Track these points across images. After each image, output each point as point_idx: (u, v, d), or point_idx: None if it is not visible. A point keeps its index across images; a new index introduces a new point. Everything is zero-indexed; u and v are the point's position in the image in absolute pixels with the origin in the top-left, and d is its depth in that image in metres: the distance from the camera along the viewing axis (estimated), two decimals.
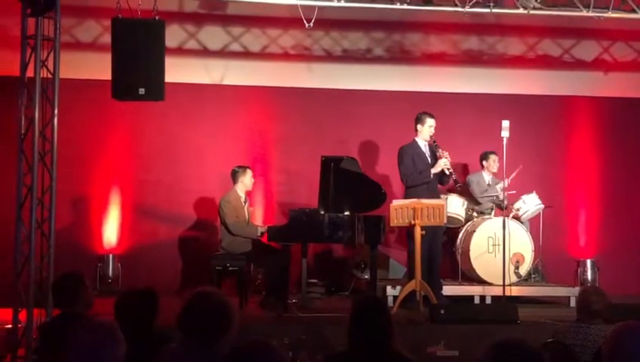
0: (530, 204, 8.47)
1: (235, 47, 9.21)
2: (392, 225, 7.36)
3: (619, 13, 7.90)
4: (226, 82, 9.18)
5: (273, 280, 7.66)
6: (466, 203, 8.38)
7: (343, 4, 7.59)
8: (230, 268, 7.53)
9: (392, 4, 7.69)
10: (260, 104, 9.21)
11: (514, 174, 8.27)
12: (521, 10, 7.80)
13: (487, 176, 8.79)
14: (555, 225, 9.10)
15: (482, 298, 7.97)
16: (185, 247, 9.03)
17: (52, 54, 6.35)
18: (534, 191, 8.54)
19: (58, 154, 6.38)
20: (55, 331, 4.17)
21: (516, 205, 8.45)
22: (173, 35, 8.63)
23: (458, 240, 8.48)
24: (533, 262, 8.35)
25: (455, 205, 8.18)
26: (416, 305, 7.19)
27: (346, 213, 7.44)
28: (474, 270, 8.18)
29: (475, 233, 8.20)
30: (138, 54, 6.71)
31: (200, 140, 9.09)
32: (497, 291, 7.66)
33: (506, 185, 8.06)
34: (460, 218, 8.30)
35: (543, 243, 8.52)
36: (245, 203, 7.88)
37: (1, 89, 7.99)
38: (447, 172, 7.58)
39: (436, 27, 9.33)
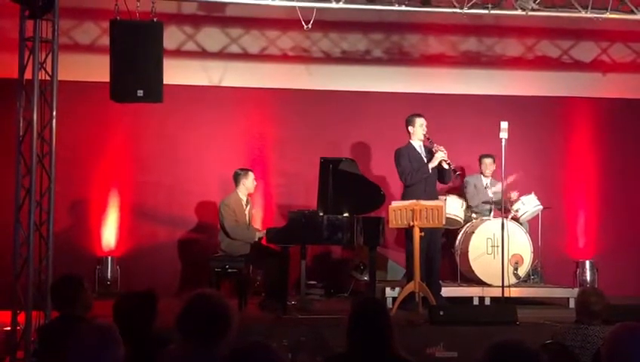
0: (529, 205, 8.47)
1: (234, 48, 9.20)
2: (390, 226, 7.36)
3: (617, 14, 7.90)
4: (224, 84, 9.18)
5: (272, 282, 7.66)
6: (464, 204, 8.38)
7: (341, 5, 7.59)
8: (229, 270, 7.53)
9: (390, 5, 7.69)
10: (258, 106, 9.21)
11: (511, 178, 8.25)
12: (519, 12, 7.80)
13: (485, 179, 8.80)
14: (554, 226, 9.10)
15: (481, 299, 7.97)
16: (184, 249, 9.02)
17: (50, 56, 6.35)
18: (533, 192, 8.54)
19: (56, 156, 6.38)
20: (54, 333, 4.17)
21: (515, 206, 8.45)
22: (172, 36, 8.64)
23: (457, 242, 8.48)
24: (532, 263, 8.35)
25: (454, 206, 8.18)
26: (415, 306, 7.19)
27: (345, 214, 7.44)
28: (473, 271, 8.18)
29: (474, 234, 8.21)
30: (137, 56, 6.70)
31: (199, 142, 9.08)
32: (496, 292, 7.66)
33: (502, 188, 8.05)
34: (459, 219, 8.30)
35: (541, 245, 8.52)
36: (247, 205, 7.88)
37: None
38: (445, 165, 7.58)
39: (435, 28, 9.34)
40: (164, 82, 6.81)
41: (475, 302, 7.97)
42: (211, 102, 9.12)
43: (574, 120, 9.81)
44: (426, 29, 9.40)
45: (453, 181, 8.12)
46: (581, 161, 9.76)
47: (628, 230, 9.60)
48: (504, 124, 7.37)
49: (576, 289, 7.18)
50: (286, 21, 8.56)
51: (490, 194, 8.58)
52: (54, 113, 6.35)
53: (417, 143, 7.74)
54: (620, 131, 9.77)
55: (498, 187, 8.31)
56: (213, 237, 8.21)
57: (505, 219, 7.77)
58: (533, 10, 7.77)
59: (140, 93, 6.68)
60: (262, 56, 9.27)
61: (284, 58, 9.29)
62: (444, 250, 8.32)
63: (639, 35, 9.41)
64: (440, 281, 7.86)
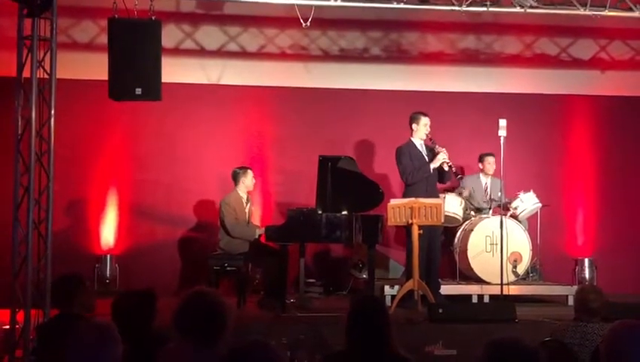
0: (527, 202, 8.46)
1: (232, 46, 9.20)
2: (389, 224, 7.36)
3: (616, 11, 7.90)
4: (223, 82, 9.17)
5: (271, 280, 7.66)
6: (463, 202, 8.38)
7: (340, 3, 7.59)
8: (228, 268, 7.54)
9: (389, 3, 7.68)
10: (257, 104, 9.20)
11: (508, 201, 8.28)
12: (518, 9, 7.80)
13: (484, 179, 8.79)
14: (553, 224, 9.10)
15: (480, 297, 7.97)
16: (183, 248, 9.02)
17: (49, 55, 6.34)
18: (532, 190, 8.54)
19: (55, 154, 6.37)
20: (52, 332, 4.17)
21: (514, 204, 8.45)
22: (170, 35, 8.63)
23: (456, 240, 8.48)
24: (531, 260, 8.35)
25: (452, 204, 8.18)
26: (414, 304, 7.18)
27: (344, 212, 7.44)
28: (472, 269, 8.18)
29: (472, 232, 8.21)
30: (135, 54, 6.69)
31: (197, 140, 9.08)
32: (495, 290, 7.66)
33: (501, 187, 8.07)
34: (458, 217, 8.30)
35: (540, 242, 8.52)
36: (247, 203, 7.89)
37: None
38: (446, 167, 7.58)
39: (433, 26, 9.33)
40: (163, 80, 6.80)
41: (474, 299, 7.97)
42: (210, 100, 9.11)
43: (573, 117, 9.80)
44: (425, 27, 9.40)
45: (452, 181, 8.12)
46: (580, 159, 9.76)
47: (627, 228, 9.60)
48: (503, 122, 7.37)
49: (575, 287, 7.18)
50: (284, 19, 8.55)
51: (492, 195, 8.55)
52: (53, 111, 6.34)
53: (418, 141, 7.74)
54: (619, 129, 9.77)
55: (499, 195, 8.30)
56: (213, 235, 8.22)
57: (504, 216, 7.77)
58: (531, 7, 7.76)
59: (139, 91, 6.67)
60: (260, 55, 9.26)
61: (282, 56, 9.29)
62: (442, 248, 8.31)
63: (638, 32, 9.41)
64: (439, 279, 7.87)
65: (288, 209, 7.77)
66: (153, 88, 6.73)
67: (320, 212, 7.45)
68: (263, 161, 9.23)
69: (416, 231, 7.13)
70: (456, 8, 7.71)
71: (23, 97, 6.37)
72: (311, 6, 7.67)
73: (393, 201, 7.31)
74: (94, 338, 2.73)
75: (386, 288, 7.79)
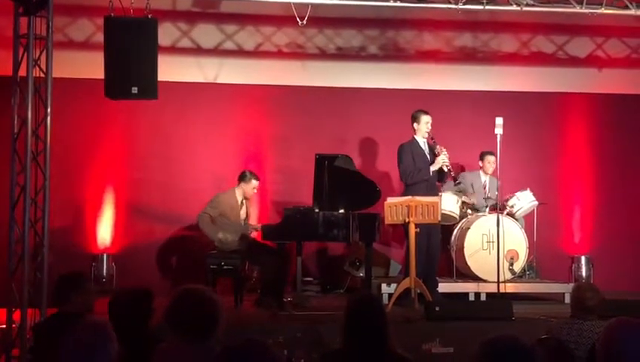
0: (524, 200, 8.47)
1: (229, 45, 9.19)
2: (386, 222, 7.35)
3: (612, 9, 7.91)
4: (219, 80, 9.17)
5: (269, 279, 7.65)
6: (460, 200, 8.38)
7: (336, 1, 7.59)
8: (225, 267, 7.52)
9: (385, 1, 7.69)
10: (253, 102, 9.19)
11: (506, 200, 8.29)
12: (514, 7, 7.81)
13: (483, 177, 8.79)
14: (550, 222, 9.10)
15: (477, 295, 7.98)
16: (180, 246, 9.01)
17: (45, 53, 6.33)
18: (528, 188, 8.55)
19: (51, 153, 6.36)
20: (49, 331, 4.17)
21: (510, 202, 8.46)
22: (167, 33, 8.62)
23: (452, 238, 8.48)
24: (528, 258, 8.36)
25: (449, 202, 8.18)
26: (411, 302, 7.18)
27: (341, 211, 7.44)
28: (468, 267, 8.19)
29: (469, 230, 8.21)
30: (131, 53, 6.69)
31: (194, 139, 9.08)
32: (492, 288, 7.66)
33: (497, 185, 8.06)
34: (455, 215, 8.30)
35: (537, 240, 8.53)
36: (243, 205, 7.87)
37: None
38: (445, 169, 7.59)
39: (430, 24, 9.33)
40: (159, 79, 6.80)
41: (471, 297, 7.98)
42: (206, 98, 9.10)
43: (570, 115, 9.81)
44: (421, 25, 9.40)
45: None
46: (576, 157, 9.77)
47: (623, 225, 9.61)
48: (499, 120, 7.37)
49: (572, 285, 7.19)
50: (281, 17, 8.54)
51: (489, 194, 8.55)
52: (49, 110, 6.34)
53: (422, 140, 7.74)
54: (616, 127, 9.77)
55: (496, 193, 8.30)
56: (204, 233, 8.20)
57: (500, 214, 7.77)
58: (528, 5, 7.77)
59: (135, 90, 6.66)
60: (257, 53, 9.26)
61: (279, 54, 9.28)
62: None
63: (634, 30, 9.41)
64: (437, 278, 7.87)
65: (285, 207, 7.77)
66: (149, 87, 6.73)
67: (317, 210, 7.44)
68: (259, 159, 9.22)
69: (413, 230, 7.13)
70: (453, 6, 7.71)
71: (19, 96, 6.35)
72: (307, 4, 7.67)
73: (390, 200, 7.31)
74: (90, 337, 2.73)
75: (383, 286, 7.79)
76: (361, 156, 9.12)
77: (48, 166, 6.33)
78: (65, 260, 7.43)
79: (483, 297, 7.92)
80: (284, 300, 7.45)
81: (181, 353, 2.98)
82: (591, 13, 7.84)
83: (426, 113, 7.72)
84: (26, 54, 6.31)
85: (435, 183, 7.78)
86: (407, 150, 7.67)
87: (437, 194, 7.73)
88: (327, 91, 9.33)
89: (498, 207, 7.93)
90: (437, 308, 6.82)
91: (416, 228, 7.14)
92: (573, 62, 9.73)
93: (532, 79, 9.62)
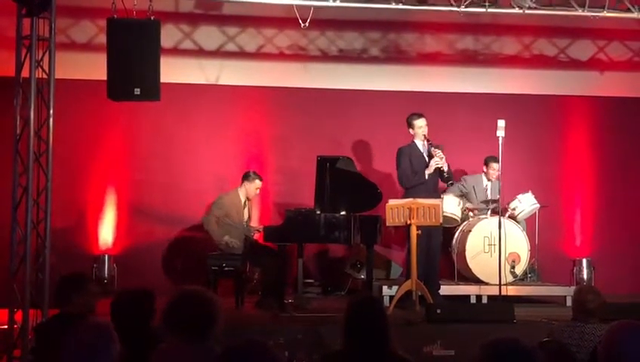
0: (525, 203, 8.47)
1: (231, 47, 9.20)
2: (388, 225, 7.35)
3: (614, 12, 7.90)
4: (221, 82, 9.17)
5: (270, 280, 7.66)
6: (461, 203, 8.38)
7: (338, 4, 7.59)
8: (226, 269, 7.53)
9: (387, 3, 7.69)
10: (255, 104, 9.20)
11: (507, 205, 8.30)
12: (516, 10, 7.80)
13: (486, 181, 8.77)
14: (551, 225, 9.10)
15: (478, 297, 7.97)
16: (181, 247, 9.01)
17: (47, 54, 6.34)
18: (530, 191, 8.54)
19: (54, 154, 6.37)
20: (51, 332, 4.17)
21: (512, 205, 8.45)
22: (169, 35, 8.63)
23: (454, 240, 8.48)
24: (529, 261, 8.36)
25: (451, 205, 8.18)
26: (412, 304, 7.18)
27: (342, 212, 7.44)
28: (470, 270, 8.19)
29: (471, 233, 8.21)
30: (133, 54, 6.70)
31: (196, 140, 9.08)
32: (493, 291, 7.65)
33: (499, 188, 8.06)
34: (456, 218, 8.30)
35: (538, 243, 8.52)
36: (246, 206, 7.88)
37: None
38: (444, 168, 7.58)
39: (432, 27, 9.34)
40: (161, 80, 6.81)
41: (473, 300, 7.97)
42: (208, 100, 9.11)
43: (571, 118, 9.81)
44: (423, 28, 9.40)
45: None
46: (578, 160, 9.77)
47: (625, 228, 9.60)
48: (501, 123, 7.36)
49: (573, 288, 7.19)
50: (283, 19, 8.55)
51: (491, 197, 8.55)
52: (51, 111, 6.35)
53: (421, 143, 7.73)
54: (617, 130, 9.77)
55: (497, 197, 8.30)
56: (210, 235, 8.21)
57: (502, 217, 7.77)
58: (530, 8, 7.76)
59: (137, 91, 6.68)
60: (259, 55, 9.26)
61: (280, 56, 9.29)
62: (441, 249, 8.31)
63: (636, 33, 9.41)
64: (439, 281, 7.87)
65: (286, 209, 7.77)
66: (152, 88, 6.74)
67: (318, 212, 7.45)
68: (261, 161, 9.22)
69: (414, 232, 7.13)
70: (455, 9, 7.71)
71: (22, 97, 6.37)
72: (309, 6, 7.67)
73: (392, 202, 7.31)
74: (91, 338, 2.73)
75: (384, 288, 7.79)
76: (362, 158, 9.12)
77: (50, 167, 6.34)
78: (67, 261, 7.43)
79: (484, 300, 7.92)
80: (285, 302, 7.45)
81: (181, 353, 2.99)
82: (593, 16, 7.85)
83: (420, 116, 7.69)
84: (28, 55, 6.32)
85: (437, 185, 7.77)
86: (405, 153, 7.67)
87: (438, 196, 7.72)
88: (329, 93, 9.34)
89: (500, 210, 7.92)
90: (438, 311, 6.82)
91: (417, 230, 7.14)
92: (574, 65, 9.74)
93: (534, 82, 9.62)
